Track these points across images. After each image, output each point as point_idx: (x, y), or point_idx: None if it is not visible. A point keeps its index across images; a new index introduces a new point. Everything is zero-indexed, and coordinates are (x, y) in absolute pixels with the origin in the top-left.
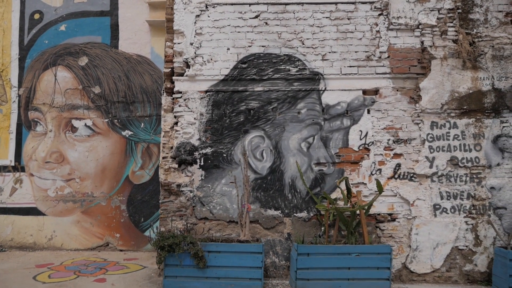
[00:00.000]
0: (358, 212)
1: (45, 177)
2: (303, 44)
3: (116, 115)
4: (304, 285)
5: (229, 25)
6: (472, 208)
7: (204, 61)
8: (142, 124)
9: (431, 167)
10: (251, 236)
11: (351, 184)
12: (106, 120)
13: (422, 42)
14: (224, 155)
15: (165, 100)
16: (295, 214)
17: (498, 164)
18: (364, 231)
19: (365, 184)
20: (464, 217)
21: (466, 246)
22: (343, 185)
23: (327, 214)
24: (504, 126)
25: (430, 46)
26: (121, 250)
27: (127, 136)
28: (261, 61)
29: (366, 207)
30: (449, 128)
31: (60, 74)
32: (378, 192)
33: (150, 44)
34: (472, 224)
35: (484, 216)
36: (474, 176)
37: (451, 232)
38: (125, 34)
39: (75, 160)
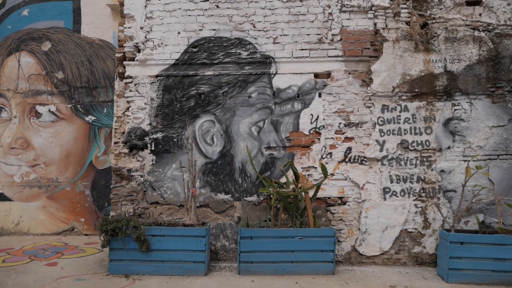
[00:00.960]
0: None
1: (11, 163)
2: (255, 27)
3: (79, 101)
4: (248, 268)
5: (180, 9)
6: (422, 191)
7: (155, 46)
8: (105, 109)
9: (381, 150)
10: (198, 220)
11: (302, 168)
12: (70, 105)
13: (375, 24)
14: (175, 140)
15: (118, 85)
16: (245, 198)
17: (449, 147)
18: (309, 214)
19: (316, 168)
20: (414, 200)
21: (415, 229)
22: (290, 170)
23: (274, 198)
24: (456, 109)
25: (383, 28)
26: (86, 235)
27: (90, 121)
28: (212, 45)
29: (307, 191)
30: (400, 111)
31: (23, 60)
32: (323, 176)
33: (112, 29)
34: (421, 207)
35: (433, 199)
36: (425, 159)
37: (400, 215)
38: (87, 18)
39: (39, 145)
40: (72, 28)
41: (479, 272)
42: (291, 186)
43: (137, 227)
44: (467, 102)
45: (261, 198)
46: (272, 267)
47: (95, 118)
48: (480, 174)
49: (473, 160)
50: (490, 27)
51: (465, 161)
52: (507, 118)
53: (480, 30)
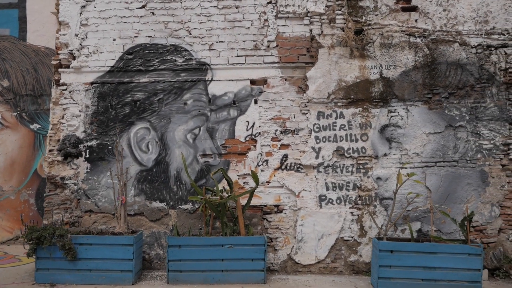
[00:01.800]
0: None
1: None
2: (190, 34)
3: (25, 109)
4: (177, 277)
5: (115, 16)
6: (358, 199)
7: (90, 53)
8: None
9: (317, 157)
10: (128, 228)
11: (238, 175)
12: (15, 113)
13: (311, 31)
14: (110, 147)
15: (54, 92)
16: (180, 206)
17: (385, 154)
18: (240, 222)
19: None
20: (350, 208)
21: (352, 237)
22: (217, 176)
23: (202, 206)
24: (392, 116)
25: (319, 35)
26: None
27: (35, 129)
28: (147, 51)
29: (236, 199)
30: (336, 118)
31: None
32: (255, 184)
33: None
34: (357, 215)
35: (370, 207)
36: (361, 166)
37: (336, 223)
38: (33, 26)
39: None
40: (18, 36)
41: (409, 281)
42: (225, 194)
43: (63, 235)
44: (403, 109)
45: (196, 206)
46: (201, 276)
47: (40, 126)
48: (418, 182)
49: (405, 168)
50: (426, 33)
51: (401, 168)
52: (444, 125)
53: (416, 36)
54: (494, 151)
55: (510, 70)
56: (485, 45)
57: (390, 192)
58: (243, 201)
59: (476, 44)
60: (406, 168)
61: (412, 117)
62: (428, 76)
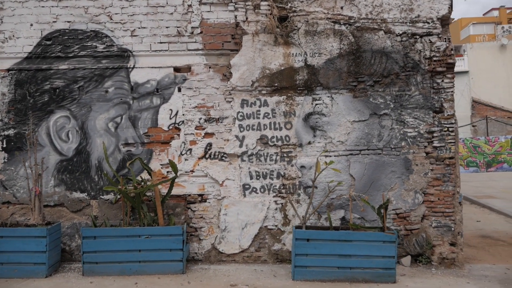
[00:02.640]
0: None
1: None
2: (111, 19)
3: None
4: (92, 268)
5: (33, 0)
6: (282, 187)
7: (6, 38)
8: None
9: (241, 146)
10: (43, 220)
11: (161, 164)
12: None
13: (235, 17)
14: (28, 136)
15: None
16: (101, 197)
17: (309, 143)
18: (159, 212)
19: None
20: (274, 196)
21: (275, 226)
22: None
23: (116, 196)
24: (316, 104)
25: (243, 21)
26: None
27: None
28: (66, 37)
29: (150, 188)
30: (260, 106)
31: None
32: (174, 173)
33: None
34: (281, 204)
35: (294, 195)
36: (285, 155)
37: (260, 212)
38: None
39: None
40: None
41: (325, 269)
42: (146, 184)
43: None
44: (328, 97)
45: (118, 196)
46: (118, 267)
47: None
48: (342, 170)
49: (329, 156)
50: (352, 21)
51: (326, 156)
52: (368, 113)
53: (341, 23)
54: (418, 139)
55: (434, 58)
56: (410, 33)
57: (315, 181)
58: (164, 190)
59: (401, 32)
60: (330, 156)
61: (336, 105)
62: (353, 64)
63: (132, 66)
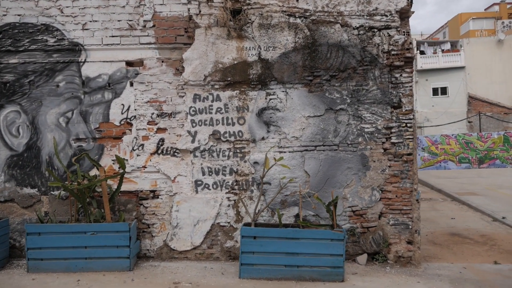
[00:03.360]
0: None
1: None
2: (62, 12)
3: None
4: (37, 265)
5: None
6: (235, 183)
7: None
8: None
9: (193, 141)
10: None
11: (113, 160)
12: None
13: (188, 10)
14: None
15: None
16: (52, 192)
17: (263, 138)
18: (106, 208)
19: (127, 160)
20: (226, 193)
21: (228, 223)
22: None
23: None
24: (271, 99)
25: (196, 14)
26: None
27: None
28: (16, 31)
29: (97, 184)
30: (212, 101)
31: None
32: (122, 169)
33: None
34: (234, 200)
35: (247, 192)
36: (238, 150)
37: (212, 208)
38: None
39: None
40: None
41: (272, 267)
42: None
43: None
44: (282, 92)
45: (67, 192)
46: (63, 264)
47: None
48: (296, 166)
49: (283, 152)
50: (307, 14)
51: (280, 152)
52: (324, 108)
53: (297, 16)
54: (376, 134)
55: (393, 52)
56: (367, 27)
57: (268, 177)
58: (114, 186)
59: (358, 26)
60: (284, 152)
61: (291, 100)
62: (308, 58)
63: (83, 60)
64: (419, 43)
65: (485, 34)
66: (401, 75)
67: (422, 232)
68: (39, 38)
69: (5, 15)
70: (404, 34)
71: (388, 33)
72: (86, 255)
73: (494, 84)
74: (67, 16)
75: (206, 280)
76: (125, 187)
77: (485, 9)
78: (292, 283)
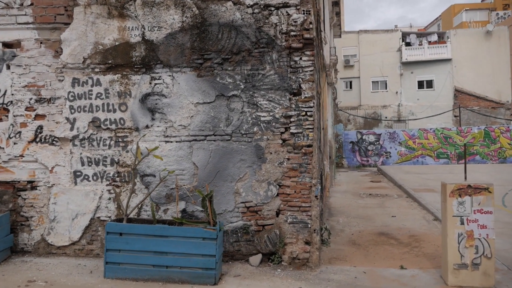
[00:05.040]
0: None
1: None
2: None
3: None
4: None
5: None
6: (117, 175)
7: None
8: None
9: (72, 129)
10: None
11: None
12: None
13: None
14: None
15: None
16: None
17: (147, 127)
18: None
19: (3, 148)
20: (107, 185)
21: (109, 217)
22: None
23: None
24: (156, 84)
25: None
26: None
27: None
28: None
29: None
30: (92, 86)
31: None
32: None
33: None
34: (116, 193)
35: (129, 184)
36: (120, 139)
37: (92, 201)
38: None
39: None
40: None
41: (139, 266)
42: None
43: None
44: (169, 76)
45: None
46: None
47: None
48: (184, 157)
49: (165, 141)
50: None
51: (166, 142)
52: (214, 94)
53: None
54: (273, 124)
55: (292, 33)
56: (262, 5)
57: (153, 169)
58: None
59: (252, 3)
60: (171, 142)
61: (178, 85)
62: (197, 39)
63: None
64: (405, 34)
65: (478, 26)
66: (300, 59)
67: (350, 231)
68: None
69: None
70: (304, 13)
71: (287, 12)
72: None
73: (481, 77)
74: None
75: (66, 279)
76: (1, 177)
77: (481, 0)
78: (159, 285)
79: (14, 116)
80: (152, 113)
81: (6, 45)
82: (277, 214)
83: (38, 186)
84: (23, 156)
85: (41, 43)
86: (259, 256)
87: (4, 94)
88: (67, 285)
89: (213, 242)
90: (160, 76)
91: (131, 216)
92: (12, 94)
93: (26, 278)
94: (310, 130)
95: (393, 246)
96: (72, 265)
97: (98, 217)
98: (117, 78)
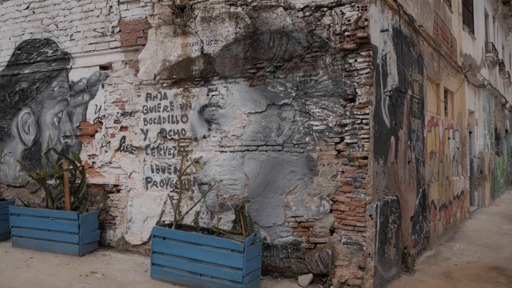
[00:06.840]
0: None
1: None
2: (57, 27)
3: None
4: (18, 241)
5: (10, 18)
6: (179, 182)
7: None
8: None
9: (145, 139)
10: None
11: (88, 155)
12: None
13: (145, 12)
14: (6, 129)
15: None
16: (48, 181)
17: (204, 137)
18: (66, 197)
19: (97, 155)
20: (171, 191)
21: (171, 221)
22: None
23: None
24: (213, 95)
25: (150, 15)
26: None
27: None
28: (29, 46)
29: (51, 175)
30: (160, 99)
31: None
32: (78, 163)
33: None
34: (177, 199)
35: (188, 191)
36: (182, 149)
37: (158, 206)
38: None
39: None
40: None
41: (177, 271)
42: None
43: None
44: (224, 87)
45: (58, 181)
46: (34, 242)
47: None
48: (237, 167)
49: (220, 151)
50: (249, 0)
51: (221, 152)
52: (265, 103)
53: (238, 4)
54: (327, 133)
55: (347, 33)
56: (313, 6)
57: (209, 177)
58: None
59: (302, 6)
60: (226, 152)
61: (231, 96)
62: (250, 48)
63: (70, 67)
64: None
65: None
66: (355, 61)
67: (456, 261)
68: (42, 50)
69: (23, 34)
70: (358, 10)
71: (341, 11)
72: (50, 237)
73: None
74: (60, 29)
75: (120, 275)
76: (95, 180)
77: None
78: None
79: (106, 128)
80: (209, 123)
81: (102, 67)
82: (331, 232)
83: (121, 189)
84: (111, 163)
85: (126, 64)
86: (310, 276)
87: (100, 109)
88: (117, 279)
89: (240, 255)
90: (216, 88)
91: (187, 223)
92: (105, 109)
93: (92, 269)
94: (366, 140)
95: (497, 286)
96: (136, 263)
97: (163, 221)
98: (180, 91)
